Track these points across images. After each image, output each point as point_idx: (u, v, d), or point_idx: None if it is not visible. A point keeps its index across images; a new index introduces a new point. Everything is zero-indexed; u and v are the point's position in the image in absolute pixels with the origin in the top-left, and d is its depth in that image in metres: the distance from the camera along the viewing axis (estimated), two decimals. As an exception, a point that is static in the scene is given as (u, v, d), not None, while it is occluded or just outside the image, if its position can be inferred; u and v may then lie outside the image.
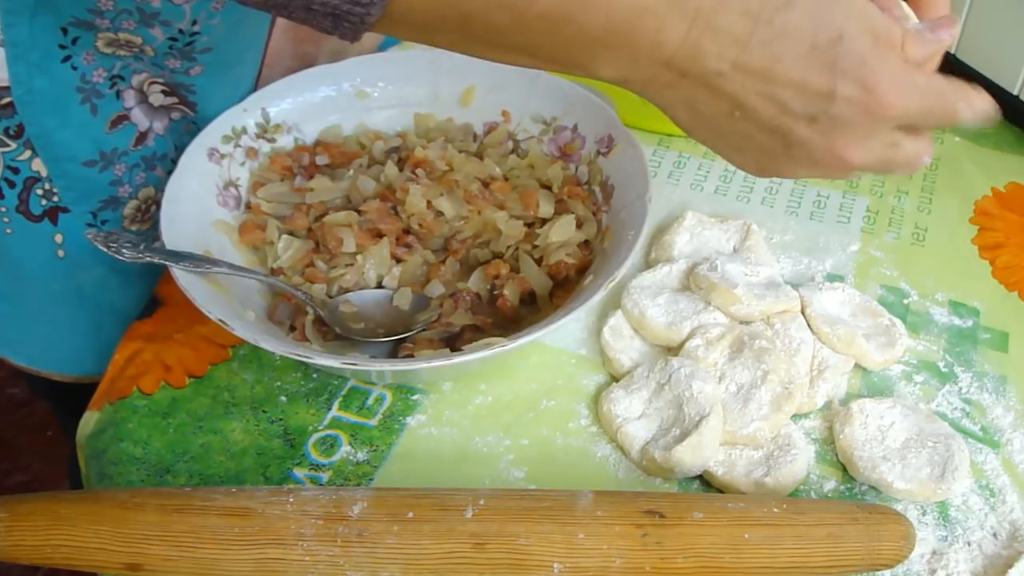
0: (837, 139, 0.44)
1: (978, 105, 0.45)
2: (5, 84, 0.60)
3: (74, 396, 0.70)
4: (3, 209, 0.66)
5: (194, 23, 0.62)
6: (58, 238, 0.68)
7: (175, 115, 0.69)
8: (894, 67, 0.43)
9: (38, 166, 0.64)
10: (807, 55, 0.41)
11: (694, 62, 0.41)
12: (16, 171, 0.64)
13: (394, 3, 0.38)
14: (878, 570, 0.48)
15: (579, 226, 0.66)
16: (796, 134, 0.44)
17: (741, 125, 0.44)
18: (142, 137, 0.68)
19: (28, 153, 0.64)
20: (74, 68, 0.62)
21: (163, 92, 0.68)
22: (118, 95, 0.65)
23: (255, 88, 0.74)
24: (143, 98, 0.67)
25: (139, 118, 0.67)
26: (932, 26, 0.45)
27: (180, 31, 0.62)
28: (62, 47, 0.61)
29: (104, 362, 0.63)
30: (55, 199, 0.66)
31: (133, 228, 0.71)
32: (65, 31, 0.60)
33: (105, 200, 0.68)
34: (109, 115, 0.65)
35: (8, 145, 0.63)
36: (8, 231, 0.67)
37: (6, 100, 0.61)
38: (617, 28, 0.40)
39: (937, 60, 0.46)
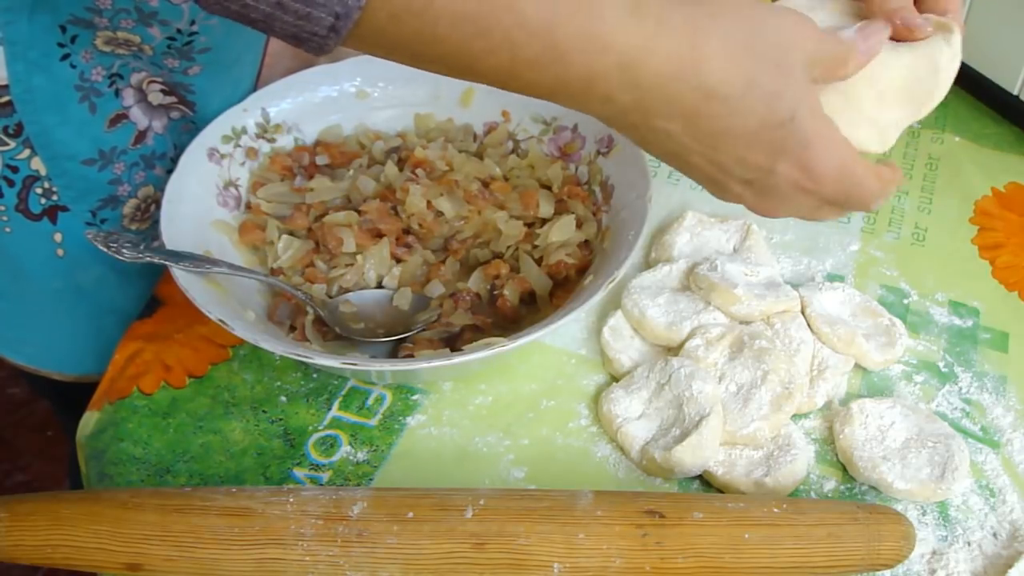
0: (767, 201, 0.47)
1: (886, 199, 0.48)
2: (4, 82, 0.60)
3: (74, 395, 0.70)
4: (2, 208, 0.66)
5: (192, 23, 0.62)
6: (57, 237, 0.68)
7: (174, 114, 0.69)
8: (836, 151, 0.44)
9: (37, 165, 0.64)
10: (754, 133, 0.43)
11: (643, 120, 0.43)
12: (15, 170, 0.64)
13: (349, 38, 0.39)
14: (878, 570, 0.48)
15: (579, 226, 0.66)
16: (731, 189, 0.46)
17: (684, 166, 0.46)
18: (141, 136, 0.68)
19: (27, 152, 0.64)
20: (73, 66, 0.62)
21: (162, 91, 0.68)
22: (117, 93, 0.65)
23: (255, 88, 0.73)
24: (142, 97, 0.67)
25: (138, 117, 0.67)
26: (863, 35, 0.46)
27: (178, 31, 0.62)
28: (61, 45, 0.60)
29: (104, 361, 0.63)
30: (54, 198, 0.66)
31: (133, 227, 0.71)
32: (64, 29, 0.60)
33: (104, 199, 0.68)
34: (108, 113, 0.65)
35: (7, 144, 0.63)
36: (7, 230, 0.67)
37: (5, 98, 0.61)
38: (566, 90, 0.41)
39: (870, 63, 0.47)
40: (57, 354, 0.77)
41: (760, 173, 0.44)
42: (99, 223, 0.69)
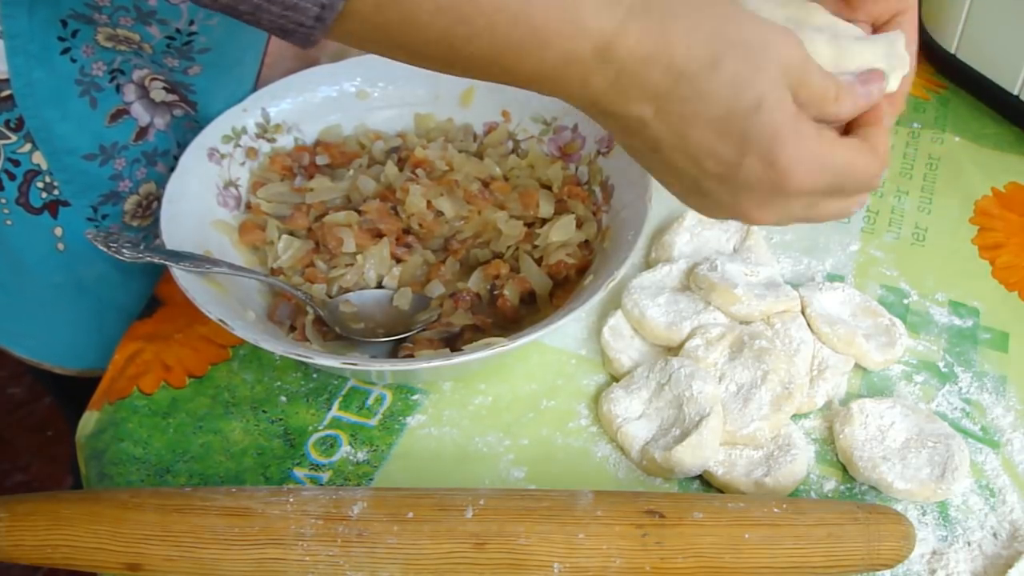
0: (743, 200, 0.45)
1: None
2: (5, 76, 0.60)
3: (76, 391, 0.70)
4: (3, 201, 0.66)
5: (191, 23, 0.62)
6: (58, 231, 0.68)
7: (177, 112, 0.69)
8: (807, 145, 0.43)
9: (38, 159, 0.64)
10: (720, 120, 0.42)
11: (618, 107, 0.43)
12: (16, 163, 0.64)
13: (335, 28, 0.40)
14: (878, 570, 0.48)
15: (579, 226, 0.66)
16: (706, 186, 0.45)
17: (662, 164, 0.46)
18: (143, 132, 0.68)
19: (28, 146, 0.64)
20: (73, 60, 0.62)
21: (164, 89, 0.68)
22: (118, 89, 0.65)
23: (255, 88, 0.73)
24: (144, 93, 0.67)
25: (139, 113, 0.67)
26: (863, 80, 0.45)
27: (177, 30, 0.62)
28: (61, 39, 0.60)
29: (106, 356, 0.63)
30: (55, 192, 0.66)
31: (134, 224, 0.71)
32: (64, 23, 0.60)
33: (105, 194, 0.68)
34: (109, 108, 0.65)
35: (8, 137, 0.63)
36: (8, 223, 0.67)
37: (6, 92, 0.61)
38: (546, 74, 0.41)
39: (871, 108, 0.46)
40: (58, 348, 0.77)
41: (730, 168, 0.43)
42: (100, 219, 0.69)
